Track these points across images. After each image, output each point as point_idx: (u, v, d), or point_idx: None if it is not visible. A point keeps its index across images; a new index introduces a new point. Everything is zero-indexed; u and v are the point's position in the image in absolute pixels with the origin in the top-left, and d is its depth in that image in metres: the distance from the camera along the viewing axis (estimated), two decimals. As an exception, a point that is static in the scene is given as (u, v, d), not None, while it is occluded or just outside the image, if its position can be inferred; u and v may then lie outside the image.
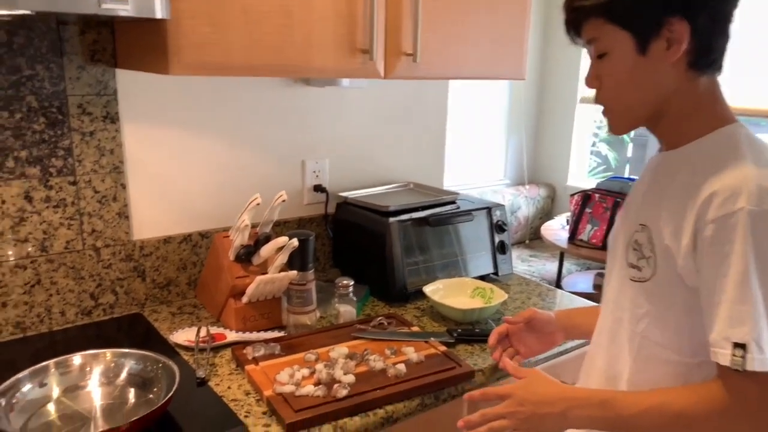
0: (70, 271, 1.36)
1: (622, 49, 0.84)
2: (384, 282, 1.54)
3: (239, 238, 1.34)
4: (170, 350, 1.27)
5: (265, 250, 1.33)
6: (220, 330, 1.33)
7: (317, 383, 1.12)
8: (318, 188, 1.72)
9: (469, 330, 1.37)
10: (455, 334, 1.34)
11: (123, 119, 1.37)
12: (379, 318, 1.38)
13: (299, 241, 1.29)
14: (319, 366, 1.17)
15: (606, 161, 4.78)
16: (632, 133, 5.01)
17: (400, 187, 1.86)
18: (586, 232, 2.76)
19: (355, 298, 1.41)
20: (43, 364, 1.06)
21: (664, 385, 0.88)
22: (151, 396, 1.07)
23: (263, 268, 1.36)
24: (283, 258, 1.30)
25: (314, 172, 1.72)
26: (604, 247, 2.69)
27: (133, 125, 1.40)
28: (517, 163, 3.80)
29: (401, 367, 1.18)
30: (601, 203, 2.72)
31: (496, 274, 1.71)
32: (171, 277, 1.51)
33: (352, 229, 1.66)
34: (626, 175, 4.23)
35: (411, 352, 1.24)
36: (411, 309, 1.53)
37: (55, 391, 1.06)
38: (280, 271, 1.32)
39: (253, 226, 1.38)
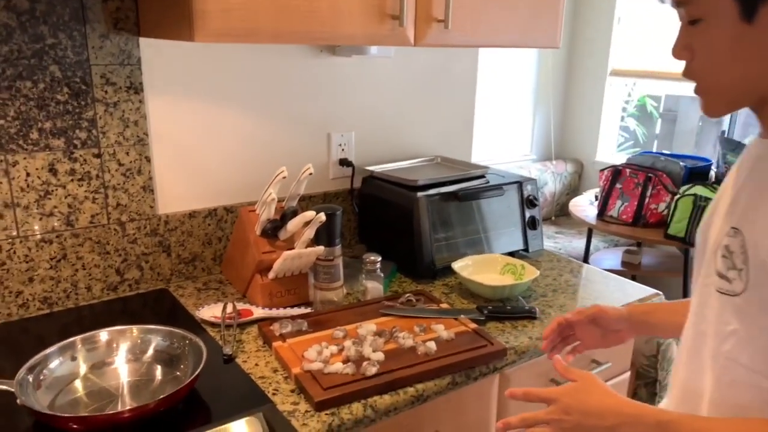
0: (95, 245, 1.35)
1: (722, 15, 0.69)
2: (411, 258, 1.50)
3: (266, 213, 1.31)
4: (196, 326, 1.26)
5: (292, 224, 1.30)
6: (247, 306, 1.31)
7: (346, 360, 1.10)
8: (344, 162, 1.68)
9: (499, 307, 1.33)
10: (486, 312, 1.30)
11: (147, 90, 1.34)
12: (407, 294, 1.35)
13: (326, 215, 1.26)
14: (348, 343, 1.14)
15: (634, 136, 4.65)
16: (661, 107, 4.87)
17: (427, 161, 1.81)
18: (616, 208, 2.69)
19: (382, 275, 1.38)
20: (70, 340, 1.05)
21: (752, 413, 0.75)
22: (178, 373, 1.05)
23: (290, 243, 1.33)
24: (310, 233, 1.27)
25: (340, 145, 1.67)
26: (634, 223, 2.63)
27: (157, 96, 1.36)
28: (544, 137, 3.71)
29: (431, 344, 1.15)
30: (633, 179, 2.64)
31: (526, 250, 1.66)
32: (196, 252, 1.50)
33: (379, 204, 1.63)
34: (654, 149, 4.12)
35: (441, 330, 1.21)
36: (439, 286, 1.49)
37: (82, 368, 1.05)
38: (306, 247, 1.29)
39: (279, 200, 1.35)
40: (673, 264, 2.93)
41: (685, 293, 2.58)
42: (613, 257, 3.03)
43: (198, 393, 1.02)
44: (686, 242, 2.43)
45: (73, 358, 1.04)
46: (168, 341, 1.10)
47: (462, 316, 1.28)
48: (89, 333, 1.08)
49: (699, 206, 2.36)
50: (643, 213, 2.59)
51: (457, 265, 1.45)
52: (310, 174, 1.31)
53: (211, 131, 1.46)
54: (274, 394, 1.04)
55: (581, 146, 3.74)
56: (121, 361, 1.07)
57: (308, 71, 1.57)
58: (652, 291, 1.48)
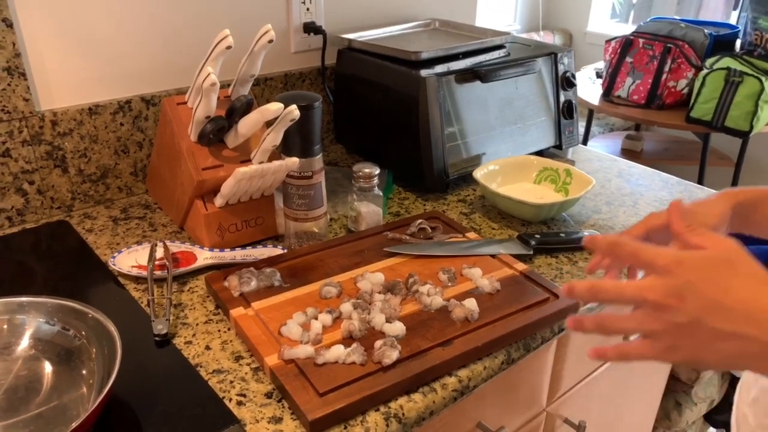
0: (-63, 163, 0.87)
1: None
2: (415, 165, 1.08)
3: (203, 105, 0.85)
4: (110, 282, 0.83)
5: (246, 124, 0.85)
6: (186, 246, 0.89)
7: (348, 338, 0.71)
8: (310, 28, 1.20)
9: (549, 234, 0.95)
10: (533, 242, 0.92)
11: None
12: (419, 221, 0.95)
13: (300, 109, 0.80)
14: (346, 307, 0.75)
15: (611, 7, 4.17)
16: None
17: (422, 26, 1.34)
18: (626, 86, 2.28)
19: (381, 194, 0.96)
20: None
21: None
22: (84, 372, 0.65)
23: (243, 153, 0.89)
24: (274, 137, 0.83)
25: (303, 2, 1.18)
26: (647, 104, 2.24)
27: None
28: (530, 4, 3.19)
29: (470, 302, 0.77)
30: (647, 50, 2.22)
31: (559, 146, 1.26)
32: (107, 164, 1.03)
33: (363, 87, 1.17)
34: (630, 22, 3.66)
35: (477, 276, 0.83)
36: (453, 202, 1.09)
37: None
38: (270, 158, 0.86)
39: (224, 86, 0.88)
40: (679, 150, 2.61)
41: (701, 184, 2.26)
42: (611, 144, 2.68)
43: (115, 409, 0.61)
44: (713, 127, 2.07)
45: None
46: (55, 323, 0.68)
47: (502, 251, 0.90)
48: None
49: (732, 83, 1.98)
50: (659, 92, 2.20)
51: (480, 174, 1.05)
52: (270, 42, 0.83)
53: (108, -21, 0.95)
54: (239, 403, 0.65)
55: (570, 14, 3.25)
56: (-26, 365, 0.66)
57: None
58: (733, 199, 1.12)
